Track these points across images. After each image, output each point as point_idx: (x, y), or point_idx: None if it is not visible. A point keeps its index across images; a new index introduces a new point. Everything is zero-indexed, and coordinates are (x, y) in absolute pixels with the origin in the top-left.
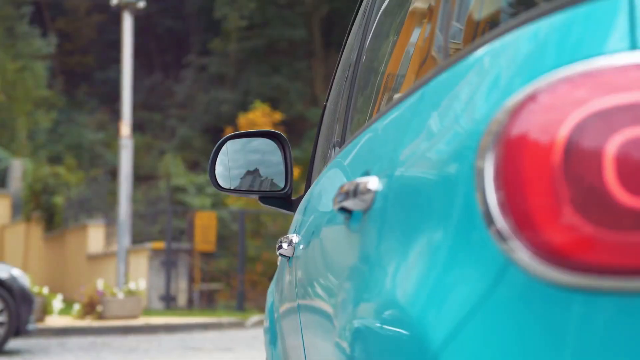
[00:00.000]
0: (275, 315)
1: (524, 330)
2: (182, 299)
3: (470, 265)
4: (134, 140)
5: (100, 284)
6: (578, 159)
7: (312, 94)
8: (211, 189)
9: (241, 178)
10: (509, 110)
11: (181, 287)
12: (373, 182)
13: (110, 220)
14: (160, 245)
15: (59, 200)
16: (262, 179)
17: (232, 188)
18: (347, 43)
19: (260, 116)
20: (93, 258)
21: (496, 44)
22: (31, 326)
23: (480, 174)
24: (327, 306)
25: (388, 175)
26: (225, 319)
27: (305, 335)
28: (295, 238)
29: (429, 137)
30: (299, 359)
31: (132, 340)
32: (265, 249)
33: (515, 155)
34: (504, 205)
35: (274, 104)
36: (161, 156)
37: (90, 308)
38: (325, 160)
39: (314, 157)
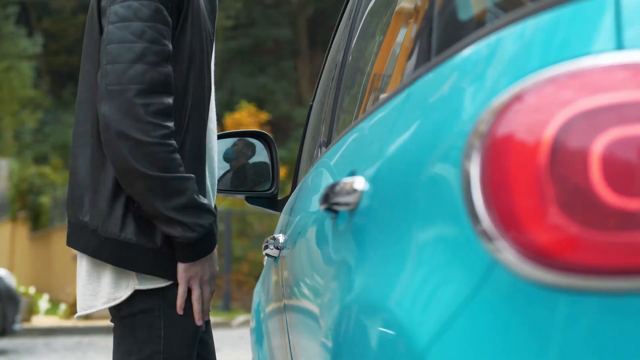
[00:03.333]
0: (262, 315)
1: (509, 330)
2: None
3: (456, 265)
4: None
5: None
6: (564, 159)
7: (298, 94)
8: None
9: (227, 178)
10: (495, 110)
11: None
12: (359, 182)
13: None
14: None
15: (45, 200)
16: (249, 179)
17: (218, 188)
18: (334, 43)
19: (246, 116)
20: None
21: (482, 43)
22: (17, 326)
23: (466, 174)
24: (313, 306)
25: (374, 175)
26: (211, 318)
27: (291, 335)
28: (281, 238)
29: (415, 137)
30: (285, 359)
31: None
32: (251, 249)
33: (501, 155)
34: (490, 205)
35: (260, 104)
36: None
37: (76, 308)
38: (312, 160)
39: (300, 157)
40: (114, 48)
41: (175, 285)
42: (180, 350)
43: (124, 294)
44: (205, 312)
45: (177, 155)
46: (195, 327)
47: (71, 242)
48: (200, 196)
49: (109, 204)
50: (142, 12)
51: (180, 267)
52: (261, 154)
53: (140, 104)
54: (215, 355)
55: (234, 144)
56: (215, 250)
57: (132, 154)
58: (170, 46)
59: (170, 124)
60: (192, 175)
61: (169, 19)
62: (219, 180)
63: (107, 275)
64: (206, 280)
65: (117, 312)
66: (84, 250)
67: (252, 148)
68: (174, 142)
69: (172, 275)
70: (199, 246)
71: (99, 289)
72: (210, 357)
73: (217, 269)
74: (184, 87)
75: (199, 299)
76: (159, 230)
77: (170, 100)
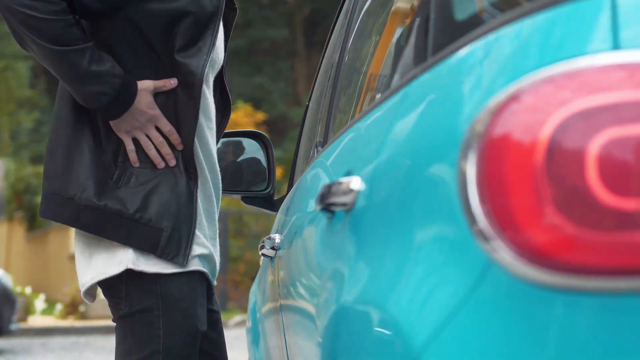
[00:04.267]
0: (258, 315)
1: (506, 330)
2: None
3: (453, 265)
4: None
5: None
6: (560, 159)
7: (294, 94)
8: None
9: (223, 178)
10: (492, 110)
11: None
12: (355, 182)
13: None
14: None
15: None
16: (245, 179)
17: None
18: (330, 43)
19: (242, 116)
20: None
21: (479, 43)
22: (13, 326)
23: (462, 173)
24: (309, 306)
25: (370, 175)
26: None
27: (287, 335)
28: (277, 238)
29: (412, 136)
30: (282, 359)
31: (114, 340)
32: (247, 249)
33: (497, 155)
34: (487, 205)
35: (257, 104)
36: None
37: (72, 308)
38: (308, 160)
39: (296, 157)
40: None
41: (173, 279)
42: (180, 350)
43: (115, 269)
44: (167, 156)
45: (72, 28)
46: (195, 326)
47: (42, 212)
48: (102, 63)
49: (85, 172)
50: None
51: (112, 125)
52: (258, 154)
53: None
54: (227, 353)
55: (230, 144)
56: (144, 96)
57: (21, 27)
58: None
59: (61, 3)
60: (89, 45)
61: None
62: None
63: (100, 251)
64: (144, 125)
65: (116, 311)
66: (53, 218)
67: (236, 146)
68: (68, 16)
69: (145, 244)
70: (113, 107)
71: (90, 265)
72: (220, 355)
73: (153, 112)
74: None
75: (147, 144)
76: (133, 197)
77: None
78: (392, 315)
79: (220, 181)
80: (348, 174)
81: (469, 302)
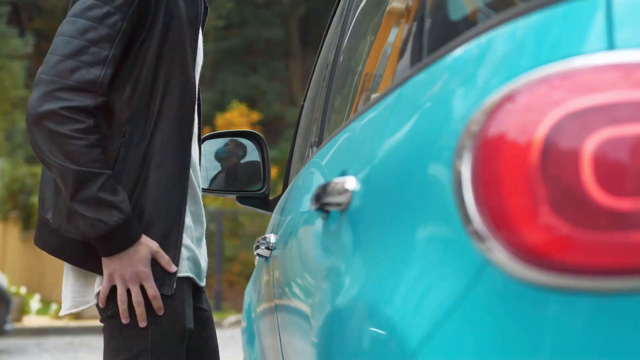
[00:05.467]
0: (253, 315)
1: (501, 330)
2: None
3: (448, 265)
4: None
5: None
6: (555, 159)
7: (289, 93)
8: None
9: (219, 178)
10: (487, 110)
11: None
12: (350, 182)
13: None
14: None
15: (36, 200)
16: (240, 179)
17: (209, 188)
18: (325, 43)
19: (237, 116)
20: None
21: (473, 43)
22: (8, 326)
23: (457, 174)
24: (304, 306)
25: (365, 175)
26: None
27: (282, 335)
28: (272, 238)
29: (407, 137)
30: (277, 359)
31: None
32: (242, 249)
33: (492, 155)
34: (481, 205)
35: (252, 104)
36: None
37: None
38: (303, 160)
39: (291, 157)
40: (57, 40)
41: (159, 283)
42: (168, 348)
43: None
44: (140, 317)
45: (94, 150)
46: (184, 325)
47: (35, 239)
48: (112, 194)
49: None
50: (93, 11)
51: (102, 261)
52: (252, 154)
53: (61, 97)
54: (218, 351)
55: (226, 144)
56: (142, 250)
57: (44, 142)
58: (113, 51)
59: (89, 120)
60: (106, 172)
61: (122, 25)
62: (211, 181)
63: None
64: (128, 279)
65: (104, 312)
66: (44, 248)
67: (243, 148)
68: (92, 136)
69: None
70: (108, 242)
71: (89, 285)
72: (211, 353)
73: (144, 269)
74: (150, 93)
75: (122, 298)
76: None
77: (94, 101)
78: (387, 315)
79: (200, 180)
80: (343, 174)
81: (464, 302)
